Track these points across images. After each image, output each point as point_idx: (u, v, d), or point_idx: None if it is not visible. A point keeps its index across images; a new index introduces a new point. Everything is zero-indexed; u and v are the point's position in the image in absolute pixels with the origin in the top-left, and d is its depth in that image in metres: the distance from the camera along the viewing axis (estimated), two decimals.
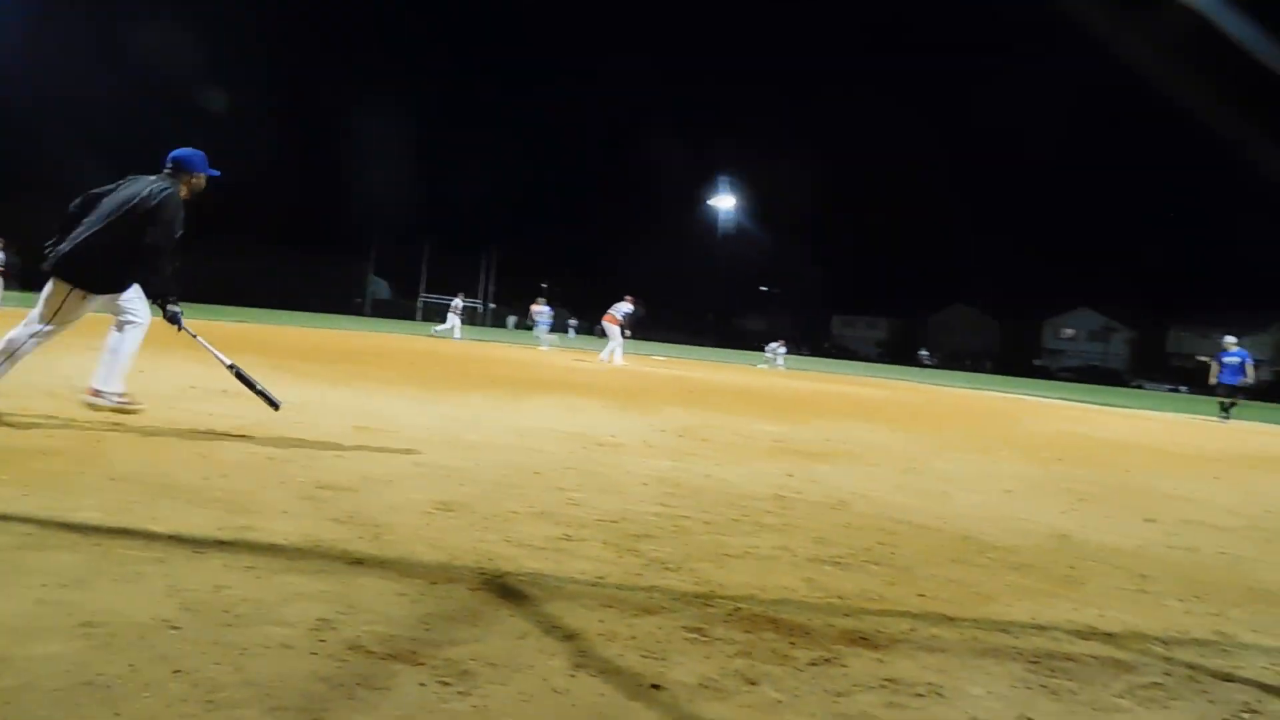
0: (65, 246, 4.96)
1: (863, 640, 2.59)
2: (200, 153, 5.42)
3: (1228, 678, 2.55)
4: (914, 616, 2.88)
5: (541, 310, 29.86)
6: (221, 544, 2.98)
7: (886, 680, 2.29)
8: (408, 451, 5.17)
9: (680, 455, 6.10)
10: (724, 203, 72.03)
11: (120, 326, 5.32)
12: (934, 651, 2.55)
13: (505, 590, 2.77)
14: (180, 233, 5.13)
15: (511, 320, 79.73)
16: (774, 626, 2.64)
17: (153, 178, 5.20)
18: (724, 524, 4.03)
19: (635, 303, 21.86)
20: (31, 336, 5.00)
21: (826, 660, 2.40)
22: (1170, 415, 21.10)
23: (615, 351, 21.40)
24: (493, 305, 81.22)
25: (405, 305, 78.28)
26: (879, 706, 2.12)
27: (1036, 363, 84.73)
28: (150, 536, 2.99)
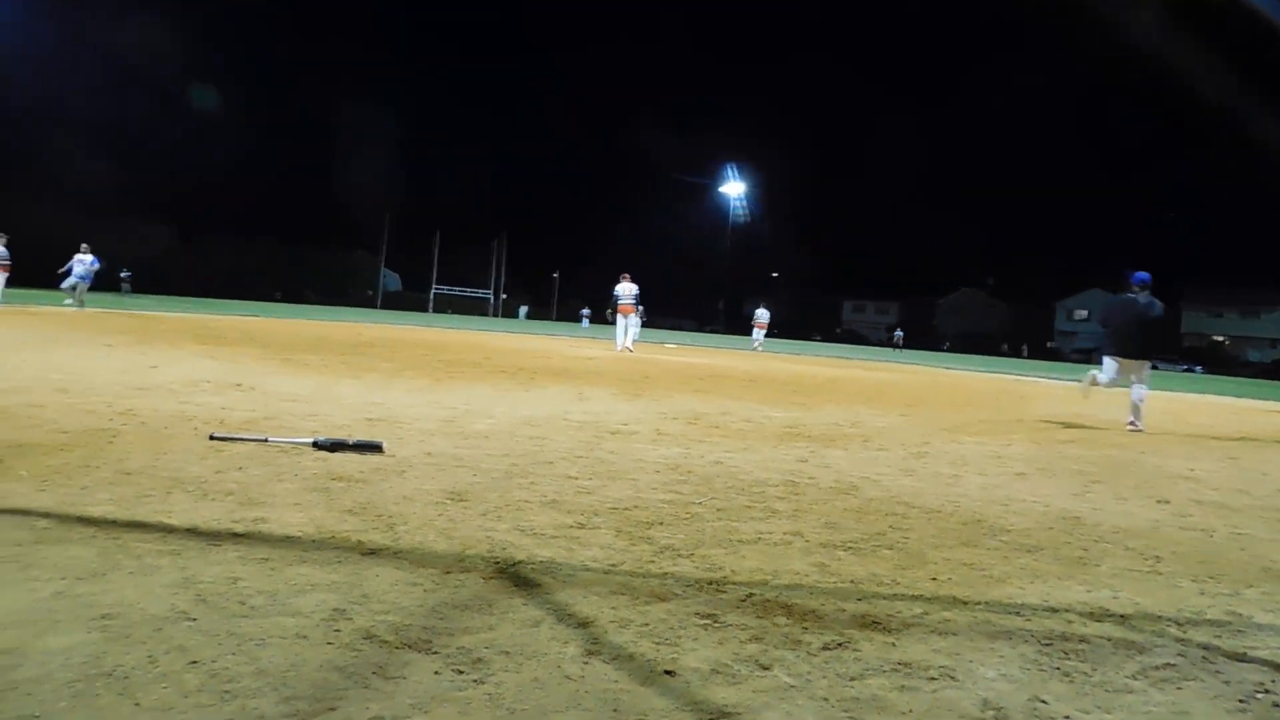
0: (1114, 341, 10.23)
1: (875, 624, 2.60)
2: (1149, 273, 9.93)
3: (1241, 658, 2.55)
4: (926, 600, 2.88)
5: (81, 259, 23.19)
6: (235, 536, 3.00)
7: (899, 664, 2.29)
8: (418, 442, 5.19)
9: (691, 442, 6.11)
10: (733, 190, 71.97)
11: (1140, 382, 9.94)
12: (946, 635, 2.55)
13: (518, 579, 2.78)
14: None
15: (523, 310, 79.91)
16: (786, 612, 2.65)
17: (1140, 294, 9.92)
18: (736, 510, 4.04)
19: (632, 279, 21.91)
20: (1109, 385, 10.40)
21: (839, 645, 2.40)
22: (1180, 395, 21.00)
23: (631, 337, 21.57)
24: (504, 296, 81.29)
25: (416, 297, 78.56)
26: (891, 690, 2.12)
27: (1050, 345, 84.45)
28: (165, 529, 3.01)
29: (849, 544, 3.56)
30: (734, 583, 2.91)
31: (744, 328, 36.54)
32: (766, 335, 35.42)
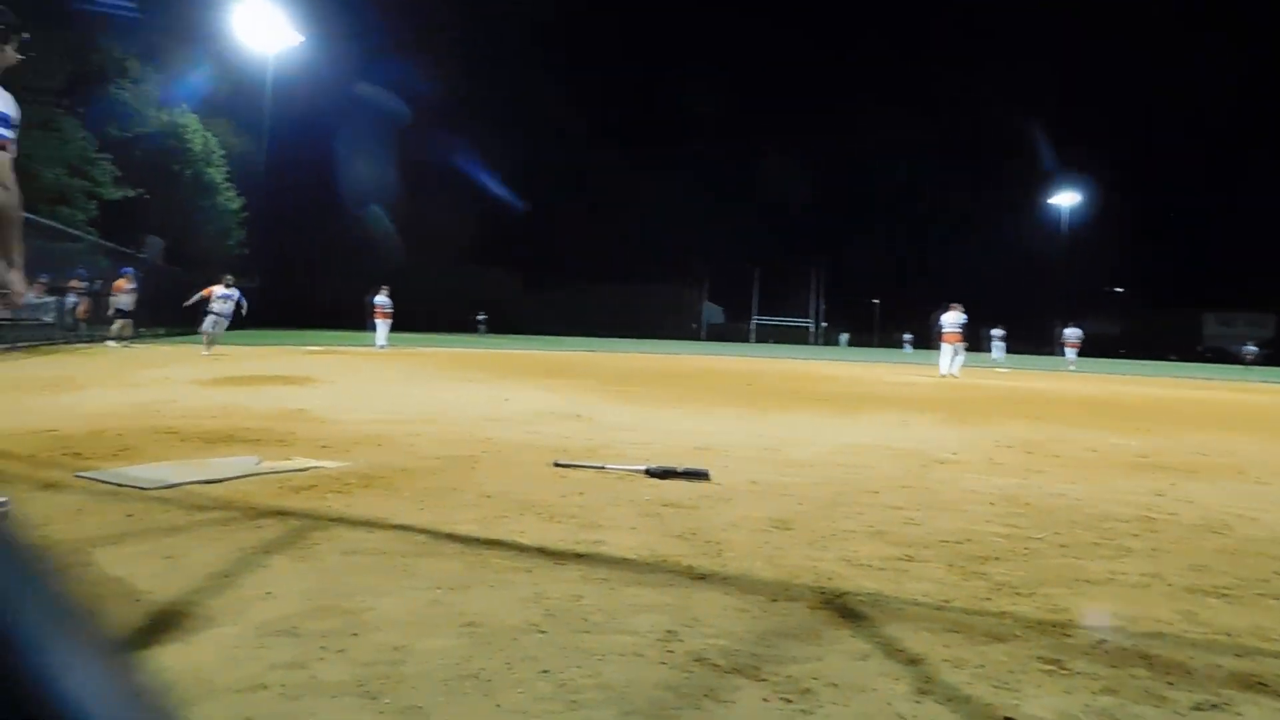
0: None
1: (1260, 685, 2.26)
2: None
3: None
4: None
5: (226, 295, 18.57)
6: (578, 556, 3.24)
7: None
8: (742, 470, 5.29)
9: (1027, 472, 5.69)
10: (1066, 200, 66.60)
11: None
12: None
13: (844, 610, 2.74)
14: None
15: (844, 338, 79.09)
16: (1146, 663, 2.38)
17: None
18: (1081, 547, 3.70)
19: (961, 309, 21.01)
20: None
21: (1213, 705, 2.12)
22: None
23: (957, 362, 20.70)
24: (824, 324, 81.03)
25: (739, 328, 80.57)
26: None
27: None
28: (518, 548, 3.32)
29: (1221, 590, 3.13)
30: (1082, 627, 2.67)
31: (1084, 349, 34.17)
32: (1079, 354, 34.71)
